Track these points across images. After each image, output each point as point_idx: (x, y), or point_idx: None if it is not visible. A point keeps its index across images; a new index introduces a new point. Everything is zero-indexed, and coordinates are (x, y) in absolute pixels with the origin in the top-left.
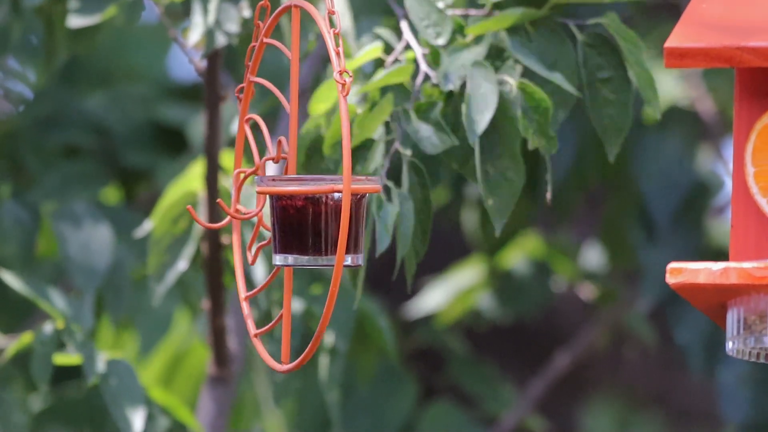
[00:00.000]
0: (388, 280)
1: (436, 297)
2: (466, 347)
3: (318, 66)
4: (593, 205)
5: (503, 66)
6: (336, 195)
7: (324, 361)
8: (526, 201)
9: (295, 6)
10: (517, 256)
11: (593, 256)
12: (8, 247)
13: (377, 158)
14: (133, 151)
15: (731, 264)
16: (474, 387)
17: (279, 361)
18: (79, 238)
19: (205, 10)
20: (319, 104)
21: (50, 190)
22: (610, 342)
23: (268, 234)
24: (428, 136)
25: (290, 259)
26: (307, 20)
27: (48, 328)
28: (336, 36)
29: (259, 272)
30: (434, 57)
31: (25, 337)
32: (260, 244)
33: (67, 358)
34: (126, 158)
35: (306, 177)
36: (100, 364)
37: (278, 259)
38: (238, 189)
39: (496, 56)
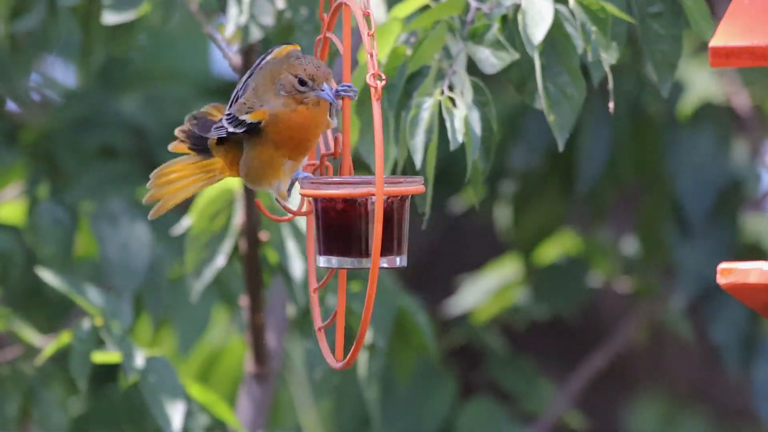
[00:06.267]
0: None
1: (473, 294)
2: (504, 344)
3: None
4: (629, 202)
5: None
6: (374, 198)
7: (363, 358)
8: (561, 198)
9: (346, 4)
10: (554, 253)
11: (629, 250)
12: (47, 247)
13: (432, 83)
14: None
15: None
16: (512, 384)
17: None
18: (117, 238)
19: (240, 3)
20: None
21: (87, 191)
22: (649, 338)
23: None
24: (485, 57)
25: (334, 261)
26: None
27: (86, 324)
28: (371, 38)
29: (298, 269)
30: None
31: (64, 336)
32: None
33: (106, 355)
34: (162, 158)
35: (349, 179)
36: (139, 360)
37: (322, 261)
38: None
39: None
